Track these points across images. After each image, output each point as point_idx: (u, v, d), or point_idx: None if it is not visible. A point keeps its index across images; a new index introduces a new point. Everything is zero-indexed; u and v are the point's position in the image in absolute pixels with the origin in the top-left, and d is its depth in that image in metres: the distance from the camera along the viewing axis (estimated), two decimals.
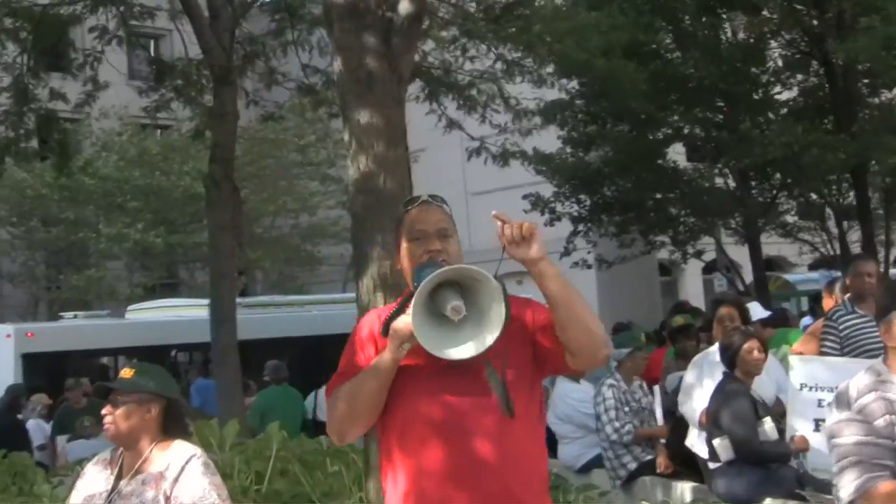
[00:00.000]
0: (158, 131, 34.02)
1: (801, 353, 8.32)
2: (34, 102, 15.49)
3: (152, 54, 20.90)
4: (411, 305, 3.33)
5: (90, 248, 31.69)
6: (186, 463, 4.53)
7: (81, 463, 7.34)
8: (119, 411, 4.56)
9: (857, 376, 4.05)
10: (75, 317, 22.09)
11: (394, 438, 3.59)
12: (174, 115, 19.08)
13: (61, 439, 13.85)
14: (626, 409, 9.21)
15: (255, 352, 16.89)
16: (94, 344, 19.87)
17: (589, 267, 24.16)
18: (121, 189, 31.51)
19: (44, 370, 18.52)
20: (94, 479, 4.70)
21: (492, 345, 3.37)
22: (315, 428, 13.29)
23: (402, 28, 7.71)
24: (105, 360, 20.50)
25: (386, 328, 3.48)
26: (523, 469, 3.52)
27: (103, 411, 4.61)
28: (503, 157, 17.70)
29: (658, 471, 8.89)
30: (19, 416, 14.38)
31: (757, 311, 9.58)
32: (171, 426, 4.69)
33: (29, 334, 19.40)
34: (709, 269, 29.95)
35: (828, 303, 9.27)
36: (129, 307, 24.00)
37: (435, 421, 3.49)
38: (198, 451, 4.64)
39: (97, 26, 15.61)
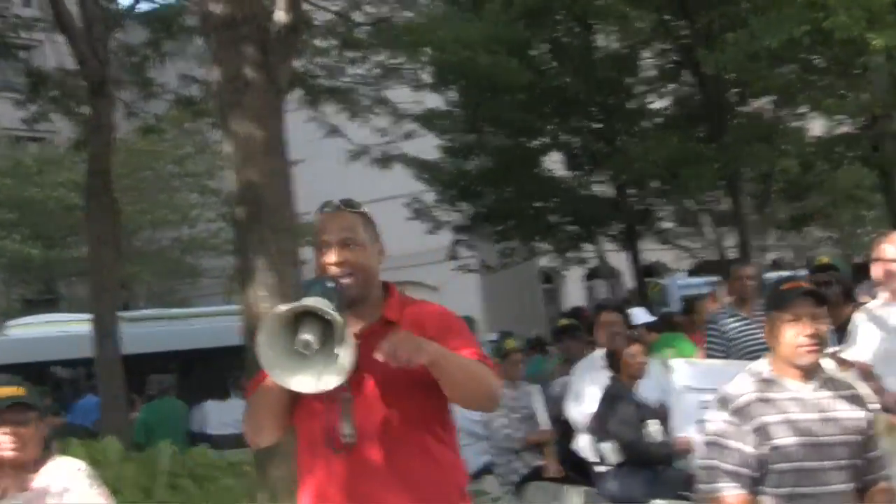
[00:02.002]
0: (34, 143, 33.36)
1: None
2: None
3: (30, 66, 20.48)
4: (259, 332, 3.23)
5: None
6: (71, 477, 4.45)
7: None
8: (26, 431, 4.44)
9: (736, 378, 4.18)
10: None
11: (299, 453, 3.57)
12: (51, 127, 18.72)
13: None
14: (514, 415, 9.28)
15: (139, 366, 16.62)
16: None
17: (472, 271, 24.29)
18: None
19: None
20: None
21: (332, 388, 3.25)
22: (197, 442, 13.18)
23: (278, 38, 7.69)
24: None
25: None
26: (420, 479, 3.42)
27: (5, 435, 4.40)
28: (384, 161, 17.73)
29: (547, 475, 8.96)
30: None
31: (642, 315, 9.74)
32: (48, 442, 4.60)
33: None
34: (591, 276, 30.33)
35: (712, 307, 9.48)
36: (9, 323, 23.43)
37: (320, 439, 3.46)
38: (81, 464, 4.57)
39: None
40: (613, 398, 7.55)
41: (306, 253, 19.43)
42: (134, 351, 15.02)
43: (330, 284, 3.36)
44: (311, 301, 3.19)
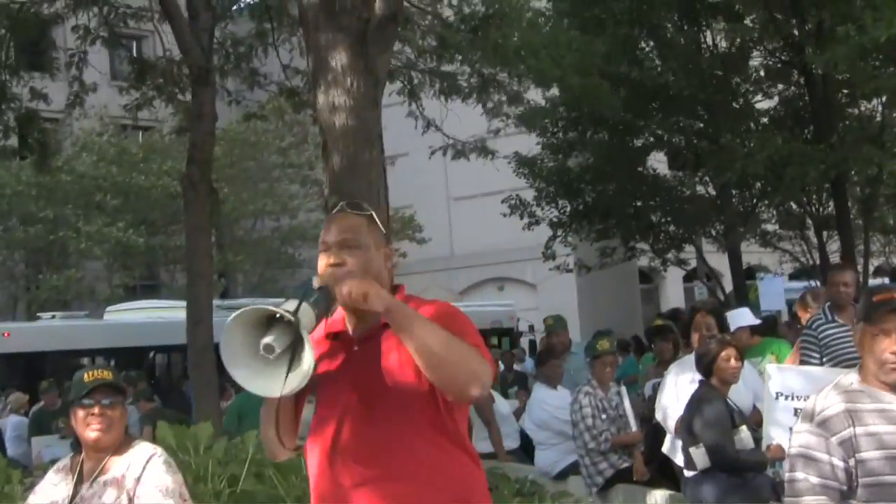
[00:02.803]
0: (140, 132, 33.94)
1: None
2: (13, 101, 15.38)
3: (137, 55, 20.80)
4: (224, 334, 3.16)
5: (70, 248, 31.50)
6: (147, 462, 4.49)
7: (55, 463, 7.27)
8: (116, 414, 4.49)
9: (823, 389, 4.04)
10: (53, 317, 21.98)
11: (308, 457, 3.54)
12: (156, 116, 19.02)
13: (37, 441, 13.75)
14: (604, 416, 9.18)
15: None
16: (72, 345, 19.75)
17: (569, 271, 24.15)
18: (99, 187, 31.35)
19: (20, 370, 18.43)
20: (54, 486, 4.63)
21: (291, 392, 3.15)
22: None
23: (377, 29, 7.65)
24: (83, 360, 20.39)
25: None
26: (413, 487, 3.31)
27: (93, 416, 4.47)
28: (464, 153, 17.67)
29: (634, 478, 8.85)
30: None
31: (746, 317, 9.47)
32: (126, 427, 4.64)
33: (6, 334, 19.28)
34: (689, 277, 29.96)
35: (802, 314, 9.26)
36: (108, 308, 23.88)
37: (323, 444, 3.42)
38: (158, 450, 4.60)
39: (79, 26, 15.55)
40: (702, 402, 7.39)
41: (406, 246, 19.64)
42: None
43: (314, 286, 3.30)
44: (263, 307, 3.12)
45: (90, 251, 31.09)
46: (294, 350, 3.09)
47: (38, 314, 24.20)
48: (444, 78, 16.88)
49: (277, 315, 3.08)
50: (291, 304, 3.13)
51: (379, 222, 3.53)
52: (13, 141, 16.25)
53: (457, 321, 3.35)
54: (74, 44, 15.81)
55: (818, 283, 17.59)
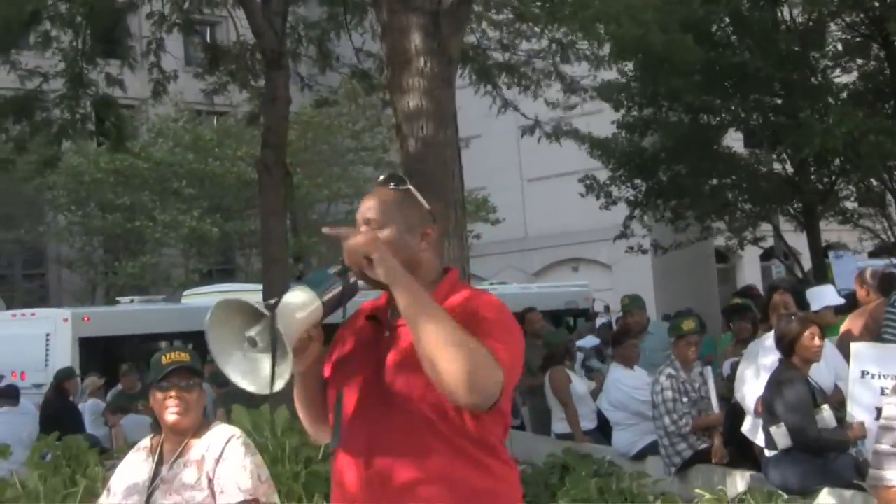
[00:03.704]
0: (215, 118, 34.23)
1: (849, 331, 8.16)
2: (90, 87, 15.55)
3: (210, 41, 20.96)
4: (207, 328, 2.98)
5: (146, 236, 31.87)
6: (227, 444, 4.51)
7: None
8: (193, 396, 4.52)
9: None
10: (131, 301, 22.21)
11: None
12: (230, 101, 19.14)
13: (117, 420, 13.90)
14: (685, 399, 9.08)
15: None
16: (150, 328, 19.94)
17: (644, 252, 23.97)
18: (175, 174, 31.67)
19: (100, 354, 18.68)
20: (135, 466, 4.68)
21: (272, 391, 2.95)
22: None
23: (450, 9, 7.62)
24: (161, 344, 20.60)
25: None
26: (418, 484, 3.05)
27: (171, 399, 4.50)
28: (555, 135, 17.52)
29: (713, 460, 8.76)
30: (71, 399, 14.44)
31: (830, 296, 9.29)
32: (204, 409, 4.68)
33: (85, 318, 19.53)
34: (767, 256, 29.63)
35: (860, 292, 9.08)
36: (185, 292, 24.11)
37: (341, 430, 3.19)
38: (237, 431, 4.62)
39: (153, 13, 15.68)
40: (783, 382, 7.30)
41: (480, 228, 19.59)
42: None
43: (331, 271, 3.08)
44: (245, 301, 2.95)
45: (165, 239, 31.43)
46: (277, 345, 2.89)
47: (117, 299, 24.50)
48: (512, 69, 16.75)
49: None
50: (298, 294, 2.99)
51: (421, 198, 3.21)
52: (90, 126, 16.41)
53: (482, 319, 3.02)
54: (150, 31, 15.94)
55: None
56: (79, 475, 9.27)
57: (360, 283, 3.11)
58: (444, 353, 2.85)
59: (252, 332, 2.92)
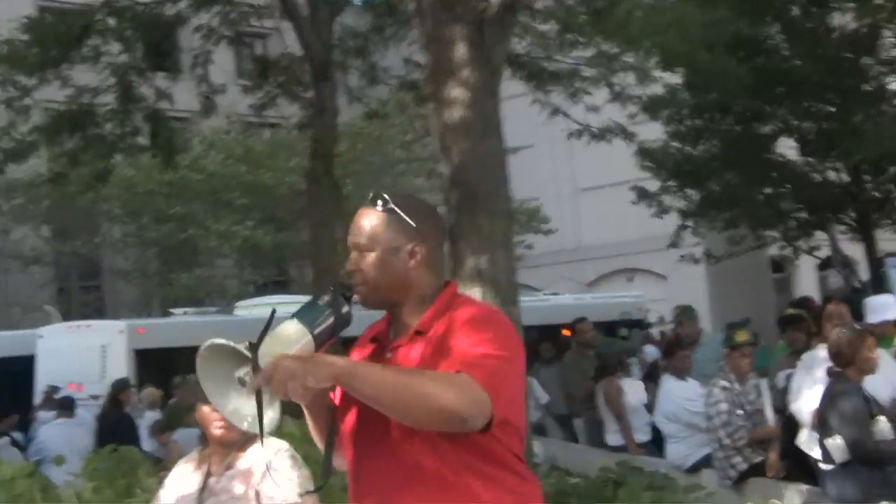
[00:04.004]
0: (267, 130, 34.40)
1: None
2: (140, 101, 15.66)
3: (261, 53, 21.08)
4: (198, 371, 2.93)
5: (200, 246, 32.08)
6: (274, 457, 4.48)
7: None
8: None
9: None
10: (185, 313, 22.33)
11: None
12: (281, 113, 19.22)
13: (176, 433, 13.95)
14: (740, 412, 8.97)
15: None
16: (204, 339, 19.93)
17: (697, 261, 23.81)
18: (227, 185, 31.85)
19: (155, 365, 18.79)
20: (184, 479, 4.69)
21: (262, 430, 2.90)
22: None
23: (494, 18, 7.57)
24: None
25: None
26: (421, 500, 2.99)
27: (215, 413, 4.43)
28: (602, 136, 17.40)
29: (769, 474, 8.64)
30: (127, 410, 14.51)
31: (891, 310, 9.07)
32: None
33: (140, 330, 19.69)
34: (824, 265, 29.34)
35: None
36: (238, 303, 24.21)
37: (347, 450, 3.19)
38: (284, 444, 4.60)
39: (202, 26, 15.77)
40: (836, 394, 7.17)
41: (533, 238, 19.44)
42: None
43: (320, 302, 3.03)
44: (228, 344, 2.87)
45: (219, 249, 31.61)
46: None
47: (171, 310, 24.67)
48: (561, 76, 16.67)
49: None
50: (287, 330, 2.94)
51: (406, 215, 3.14)
52: (141, 139, 16.55)
53: (464, 337, 2.97)
54: (197, 43, 16.04)
55: None
56: (134, 486, 9.32)
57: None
58: (406, 404, 2.81)
59: (241, 373, 2.87)
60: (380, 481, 3.03)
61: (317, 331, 2.96)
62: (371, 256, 3.11)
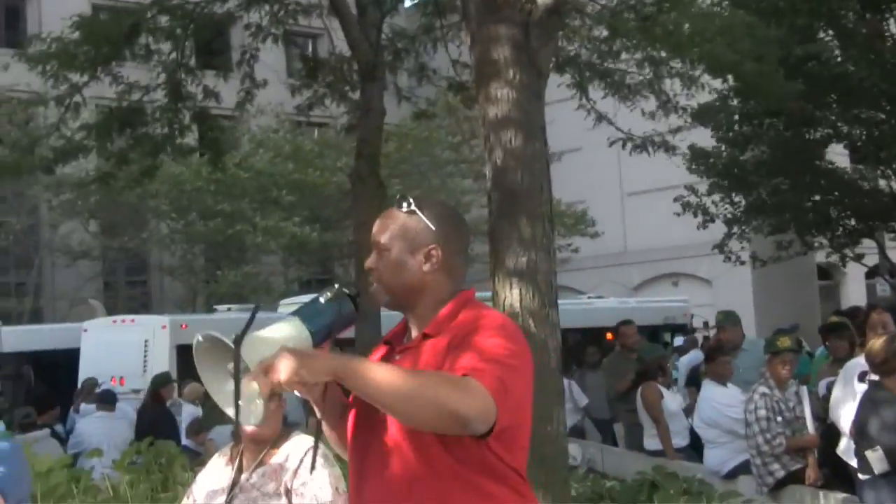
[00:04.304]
0: (315, 130, 34.53)
1: None
2: (189, 100, 15.76)
3: (310, 53, 21.19)
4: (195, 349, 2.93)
5: (247, 242, 32.24)
6: (305, 455, 4.49)
7: None
8: (271, 406, 4.49)
9: None
10: (229, 309, 22.45)
11: None
12: (329, 113, 19.29)
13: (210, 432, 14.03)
14: (779, 418, 8.90)
15: None
16: None
17: (742, 263, 23.65)
18: (276, 183, 32.00)
19: None
20: (216, 473, 4.71)
21: (251, 422, 2.90)
22: None
23: (540, 20, 7.54)
24: None
25: None
26: None
27: None
28: (644, 147, 17.30)
29: (808, 483, 8.58)
30: (168, 405, 14.60)
31: None
32: (285, 418, 4.68)
33: (183, 326, 19.79)
34: (872, 273, 29.07)
35: None
36: (282, 301, 24.31)
37: (350, 451, 3.18)
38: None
39: (251, 24, 15.86)
40: (877, 403, 7.10)
41: (579, 241, 19.32)
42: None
43: (322, 300, 3.03)
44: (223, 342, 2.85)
45: (266, 246, 31.75)
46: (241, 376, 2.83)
47: (215, 307, 24.81)
48: (609, 75, 16.60)
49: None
50: (283, 327, 2.94)
51: (427, 218, 3.13)
52: (189, 139, 16.65)
53: (471, 343, 2.93)
54: (246, 41, 16.13)
55: None
56: (170, 481, 9.40)
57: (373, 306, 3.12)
58: (409, 403, 2.78)
59: (230, 365, 2.86)
60: (375, 493, 3.02)
61: (315, 327, 2.96)
62: (388, 256, 3.12)
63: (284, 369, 2.75)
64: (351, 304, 3.06)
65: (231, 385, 2.85)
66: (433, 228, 3.13)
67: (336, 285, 3.08)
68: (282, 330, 2.94)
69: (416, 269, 3.12)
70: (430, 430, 2.85)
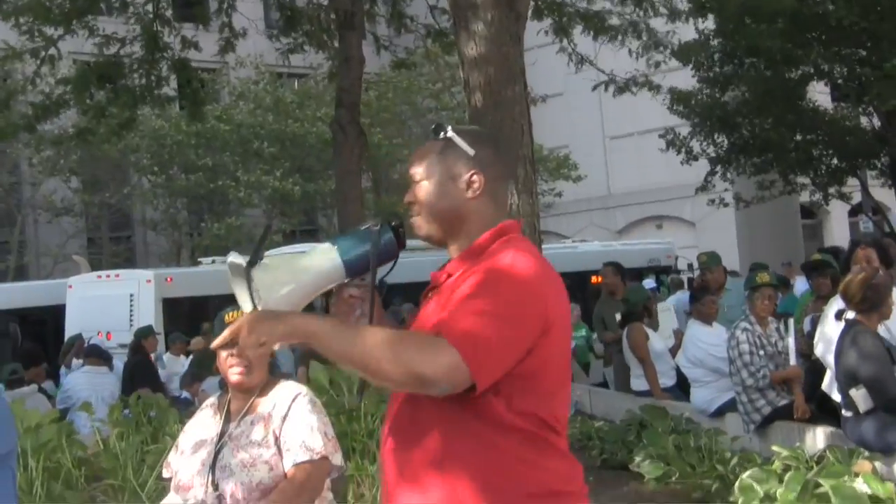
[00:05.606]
0: (295, 80, 34.36)
1: None
2: (166, 51, 15.65)
3: (288, 1, 21.00)
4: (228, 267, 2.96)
5: (230, 196, 32.17)
6: (293, 402, 4.49)
7: None
8: (254, 356, 4.50)
9: None
10: (213, 262, 22.41)
11: None
12: (310, 63, 19.18)
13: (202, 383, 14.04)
14: (761, 352, 8.92)
15: (387, 295, 16.94)
16: (230, 288, 20.10)
17: (726, 205, 23.69)
18: (256, 135, 31.88)
19: (183, 314, 18.91)
20: (203, 423, 4.69)
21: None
22: None
23: None
24: None
25: None
26: (432, 475, 2.88)
27: (232, 357, 4.49)
28: (628, 88, 17.25)
29: (795, 416, 8.62)
30: (151, 357, 14.62)
31: None
32: (272, 366, 4.66)
33: (168, 279, 19.79)
34: (855, 211, 29.17)
35: None
36: (267, 252, 24.28)
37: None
38: (303, 389, 4.60)
39: None
40: (853, 339, 7.13)
41: (562, 186, 19.30)
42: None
43: (364, 228, 2.99)
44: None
45: (249, 200, 31.69)
46: (254, 298, 2.85)
47: (199, 259, 24.78)
48: (590, 19, 16.51)
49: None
50: (315, 255, 2.95)
51: (464, 144, 3.01)
52: (168, 91, 16.53)
53: (465, 291, 2.81)
54: None
55: None
56: (159, 433, 9.41)
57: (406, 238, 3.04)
58: (376, 367, 2.71)
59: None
60: (393, 433, 2.99)
61: (347, 257, 2.94)
62: (427, 185, 3.02)
63: (243, 335, 2.74)
64: (392, 235, 3.01)
65: (248, 305, 2.85)
66: (471, 153, 3.02)
67: (380, 217, 3.06)
68: (310, 257, 2.93)
69: (459, 197, 3.00)
70: (402, 390, 2.81)
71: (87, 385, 12.28)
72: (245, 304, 2.90)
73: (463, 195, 3.00)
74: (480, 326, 2.72)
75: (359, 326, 2.88)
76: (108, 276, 20.96)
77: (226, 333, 2.82)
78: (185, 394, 13.77)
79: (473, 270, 2.87)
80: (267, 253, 2.99)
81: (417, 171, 3.04)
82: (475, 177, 3.00)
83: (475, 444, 2.84)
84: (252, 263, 2.83)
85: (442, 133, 3.05)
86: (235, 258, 2.92)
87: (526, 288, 2.85)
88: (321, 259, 2.92)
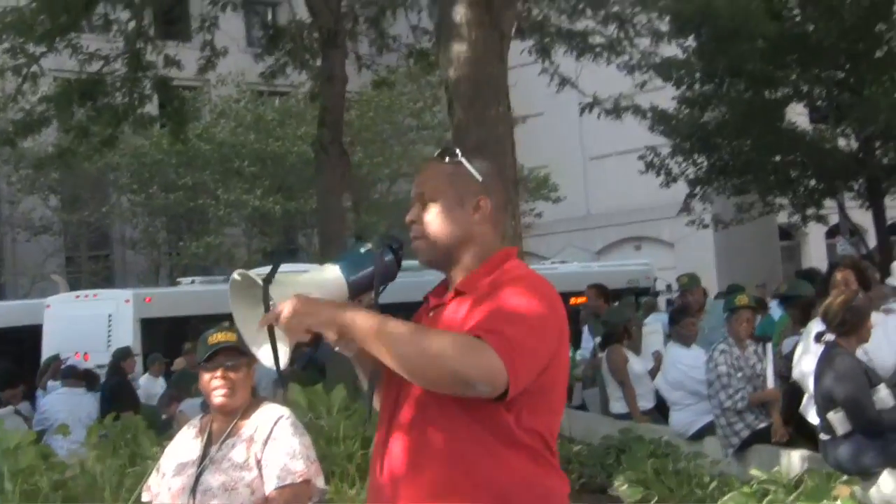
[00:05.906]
0: (276, 98, 34.34)
1: None
2: (149, 69, 15.63)
3: (271, 21, 21.02)
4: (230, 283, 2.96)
5: (209, 215, 32.08)
6: (275, 424, 4.49)
7: None
8: (240, 376, 4.50)
9: None
10: (193, 282, 22.31)
11: None
12: (291, 82, 19.18)
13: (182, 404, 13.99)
14: (739, 374, 8.93)
15: None
16: (212, 309, 19.72)
17: (706, 226, 23.76)
18: (237, 154, 31.81)
19: (162, 335, 18.79)
20: (185, 446, 4.68)
21: (278, 366, 2.90)
22: None
23: None
24: (225, 325, 20.56)
25: None
26: (434, 476, 2.89)
27: (216, 379, 4.50)
28: (615, 111, 17.31)
29: (774, 439, 8.63)
30: (130, 378, 14.56)
31: None
32: (254, 388, 4.66)
33: (147, 299, 19.65)
34: (832, 233, 29.29)
35: None
36: (251, 271, 24.17)
37: (381, 413, 3.12)
38: (286, 411, 4.60)
39: None
40: (831, 362, 7.16)
41: (542, 206, 19.34)
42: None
43: (363, 249, 3.01)
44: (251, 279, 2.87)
45: (229, 218, 31.62)
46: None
47: (178, 279, 24.67)
48: (574, 38, 16.58)
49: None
50: (318, 275, 2.95)
51: (472, 169, 3.04)
52: (150, 109, 16.51)
53: (495, 300, 2.85)
54: (205, 10, 15.98)
55: None
56: (138, 457, 9.34)
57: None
58: (416, 362, 2.74)
59: (261, 309, 2.86)
60: (399, 446, 2.97)
61: (352, 278, 2.95)
62: (434, 208, 3.03)
63: (288, 311, 2.75)
64: (392, 256, 3.02)
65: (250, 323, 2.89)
66: (480, 179, 3.04)
67: (378, 237, 3.06)
68: (316, 275, 2.93)
69: (465, 221, 3.02)
70: (437, 390, 2.79)
71: (64, 407, 12.21)
72: (243, 321, 2.93)
73: (470, 219, 3.03)
74: (517, 334, 2.76)
75: (399, 321, 2.85)
76: (86, 295, 20.82)
77: (269, 315, 2.81)
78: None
79: (491, 286, 2.91)
80: (254, 271, 2.99)
81: (424, 191, 3.06)
82: (483, 202, 3.03)
83: (487, 458, 2.85)
84: (268, 280, 2.83)
85: (449, 157, 3.06)
86: (244, 274, 2.92)
87: (549, 303, 2.90)
88: (327, 278, 2.94)
